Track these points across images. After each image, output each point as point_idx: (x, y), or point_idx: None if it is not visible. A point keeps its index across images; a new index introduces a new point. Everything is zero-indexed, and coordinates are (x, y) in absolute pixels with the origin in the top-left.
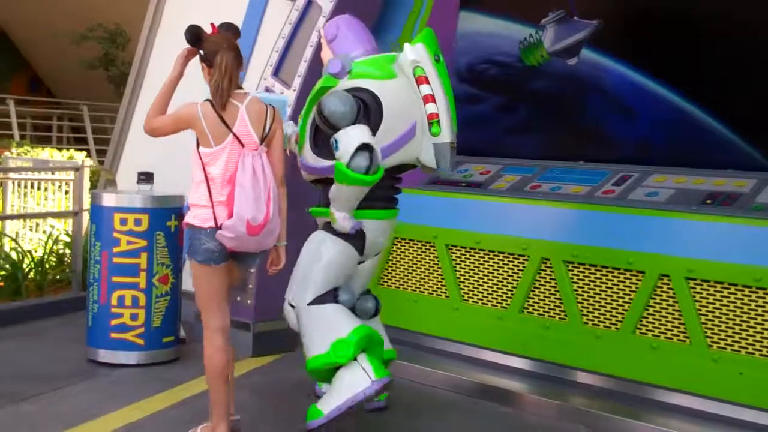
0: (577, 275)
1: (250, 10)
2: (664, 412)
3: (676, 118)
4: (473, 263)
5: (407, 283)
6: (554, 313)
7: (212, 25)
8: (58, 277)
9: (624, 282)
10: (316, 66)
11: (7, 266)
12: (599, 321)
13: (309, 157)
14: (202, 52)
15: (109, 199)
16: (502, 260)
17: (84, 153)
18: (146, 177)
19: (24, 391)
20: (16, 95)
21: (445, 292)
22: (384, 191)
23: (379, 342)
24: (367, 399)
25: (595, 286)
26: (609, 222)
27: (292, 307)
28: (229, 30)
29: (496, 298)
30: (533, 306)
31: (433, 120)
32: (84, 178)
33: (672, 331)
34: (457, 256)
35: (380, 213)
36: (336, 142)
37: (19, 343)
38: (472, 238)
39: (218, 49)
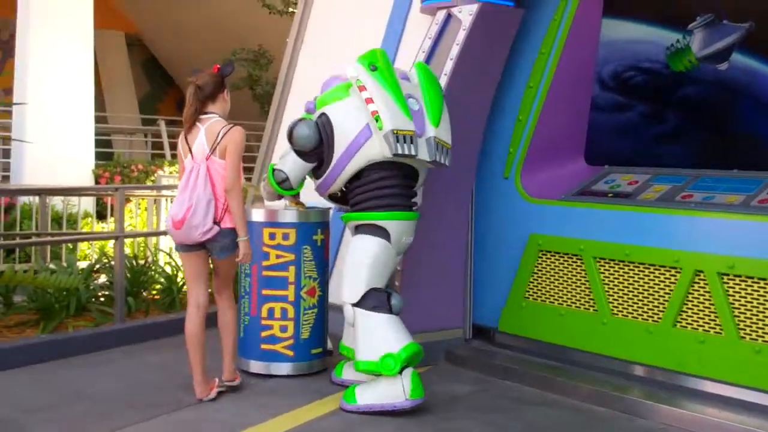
0: (734, 288)
1: (391, 25)
2: None
3: None
4: (622, 276)
5: (553, 296)
6: (709, 327)
7: (215, 66)
8: (210, 290)
9: None
10: (455, 79)
11: (162, 280)
12: (758, 335)
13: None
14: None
15: (258, 215)
16: (653, 273)
17: None
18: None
19: (183, 399)
20: (166, 116)
21: (593, 306)
22: (401, 196)
23: (421, 355)
24: (396, 411)
25: (752, 299)
26: (767, 232)
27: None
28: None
29: (647, 312)
30: (687, 320)
31: (375, 116)
32: None
33: None
34: (605, 269)
35: (400, 215)
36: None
37: (176, 354)
38: (620, 250)
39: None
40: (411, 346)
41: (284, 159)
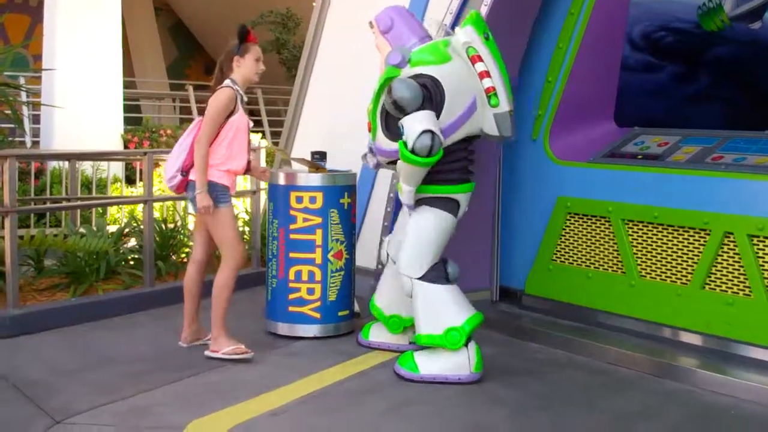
0: (763, 249)
1: None
2: None
3: None
4: (651, 238)
5: (581, 258)
6: (738, 290)
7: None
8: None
9: None
10: None
11: (191, 244)
12: None
13: (382, 141)
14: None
15: (285, 178)
16: (682, 235)
17: (260, 135)
18: (320, 156)
19: (211, 362)
20: (194, 81)
21: (621, 268)
22: (469, 164)
23: (481, 324)
24: (459, 383)
25: None
26: None
27: (410, 278)
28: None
29: (676, 274)
30: (715, 282)
31: (490, 93)
32: (260, 158)
33: None
34: (633, 231)
35: (471, 185)
36: (402, 127)
37: (205, 316)
38: (649, 212)
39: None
40: (474, 318)
41: (414, 125)
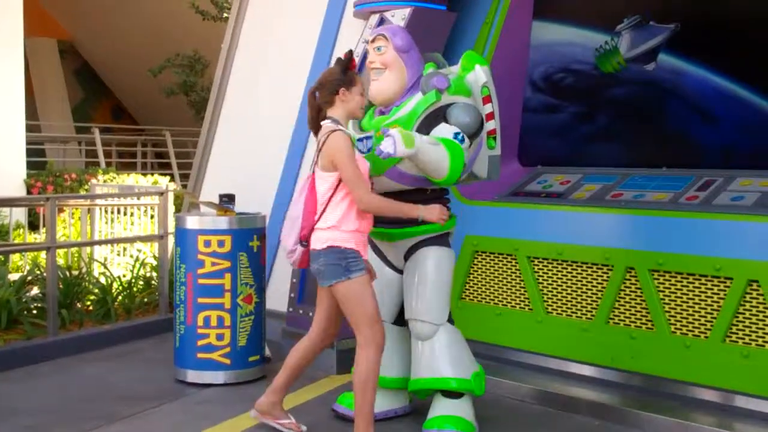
0: (663, 284)
1: (324, 30)
2: (758, 421)
3: (759, 120)
4: (556, 275)
5: (489, 296)
6: (641, 323)
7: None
8: (145, 300)
9: (712, 289)
10: None
11: (97, 291)
12: (688, 330)
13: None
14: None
15: (192, 222)
16: (586, 271)
17: (168, 177)
18: (228, 198)
19: (117, 411)
20: (100, 124)
21: (529, 305)
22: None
23: None
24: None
25: (682, 294)
26: (694, 228)
27: (435, 324)
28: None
29: (581, 310)
30: (619, 316)
31: (491, 135)
32: (168, 202)
33: (764, 338)
34: (539, 268)
35: (455, 219)
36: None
37: (110, 365)
38: (553, 249)
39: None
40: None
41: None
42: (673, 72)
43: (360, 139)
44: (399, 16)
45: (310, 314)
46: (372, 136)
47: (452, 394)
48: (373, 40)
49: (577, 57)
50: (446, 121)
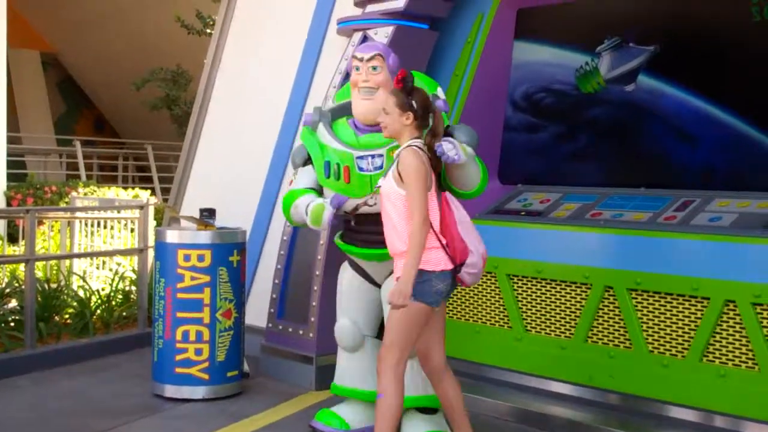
0: (642, 303)
1: (308, 47)
2: None
3: (736, 141)
4: (535, 293)
5: (469, 313)
6: (619, 342)
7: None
8: (124, 313)
9: (689, 309)
10: None
11: (75, 304)
12: (665, 349)
13: None
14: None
15: (172, 236)
16: (565, 289)
17: (149, 191)
18: (209, 213)
19: (94, 425)
20: (82, 136)
21: (508, 323)
22: None
23: None
24: None
25: (660, 313)
26: (672, 248)
27: None
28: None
29: (560, 328)
30: (597, 335)
31: None
32: (149, 215)
33: (740, 358)
34: (518, 286)
35: None
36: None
37: (88, 379)
38: (533, 267)
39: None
40: None
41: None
42: (653, 93)
43: (362, 157)
44: (382, 34)
45: (290, 330)
46: (383, 155)
47: (427, 410)
48: (369, 59)
49: (557, 77)
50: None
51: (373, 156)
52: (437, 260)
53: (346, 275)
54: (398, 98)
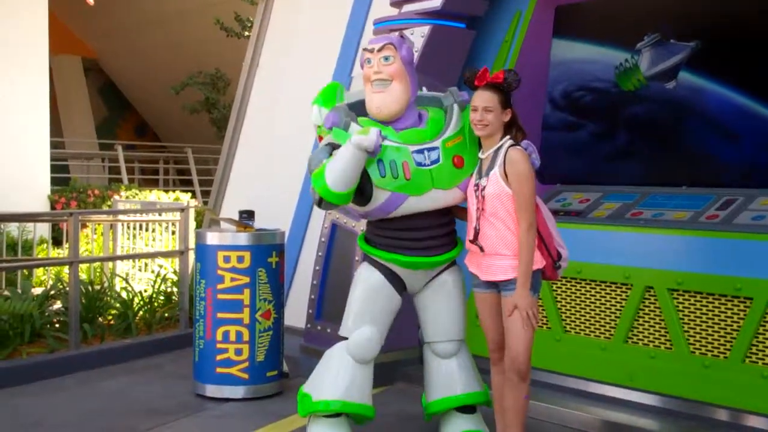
0: (683, 303)
1: (344, 48)
2: None
3: None
4: (575, 293)
5: None
6: (660, 343)
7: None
8: (166, 314)
9: (732, 309)
10: None
11: (118, 305)
12: (707, 350)
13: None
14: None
15: (212, 238)
16: (605, 290)
17: (189, 194)
18: (248, 215)
19: (137, 425)
20: (123, 141)
21: (547, 324)
22: None
23: None
24: None
25: (701, 314)
26: (715, 247)
27: (460, 342)
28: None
29: (599, 329)
30: (638, 336)
31: None
32: (189, 218)
33: None
34: (557, 286)
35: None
36: None
37: (131, 379)
38: (572, 267)
39: None
40: None
41: None
42: (694, 90)
43: (419, 151)
44: (418, 34)
45: (329, 330)
46: (438, 147)
47: (467, 409)
48: (380, 49)
49: (597, 75)
50: None
51: (429, 149)
52: (539, 259)
53: (372, 279)
54: (501, 95)
